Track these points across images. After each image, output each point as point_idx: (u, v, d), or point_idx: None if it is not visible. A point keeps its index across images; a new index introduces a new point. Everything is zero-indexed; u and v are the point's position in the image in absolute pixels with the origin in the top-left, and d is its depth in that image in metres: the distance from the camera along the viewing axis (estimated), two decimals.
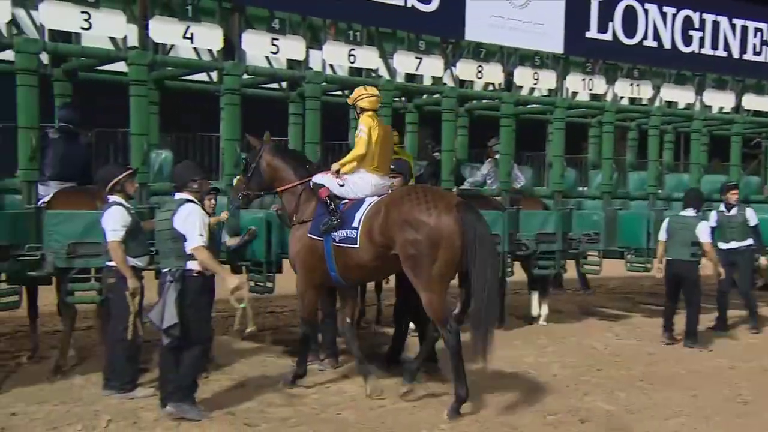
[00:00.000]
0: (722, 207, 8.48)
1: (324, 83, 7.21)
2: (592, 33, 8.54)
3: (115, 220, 5.21)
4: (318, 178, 5.84)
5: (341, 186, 5.70)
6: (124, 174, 5.41)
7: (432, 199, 5.27)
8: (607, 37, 8.64)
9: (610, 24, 8.62)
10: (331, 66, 7.67)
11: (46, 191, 5.96)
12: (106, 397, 5.36)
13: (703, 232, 7.44)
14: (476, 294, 5.27)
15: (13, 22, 5.86)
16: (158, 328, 4.89)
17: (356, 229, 5.40)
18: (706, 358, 7.06)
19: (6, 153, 6.01)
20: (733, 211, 8.40)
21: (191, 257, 4.92)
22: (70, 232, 5.62)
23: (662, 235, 7.69)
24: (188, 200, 5.04)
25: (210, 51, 6.79)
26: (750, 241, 8.37)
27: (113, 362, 5.37)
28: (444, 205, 5.24)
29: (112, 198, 5.36)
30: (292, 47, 6.91)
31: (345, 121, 8.48)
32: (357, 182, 5.71)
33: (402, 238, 5.21)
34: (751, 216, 8.38)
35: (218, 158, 6.92)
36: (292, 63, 7.27)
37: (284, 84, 8.01)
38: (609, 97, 9.18)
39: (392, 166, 6.09)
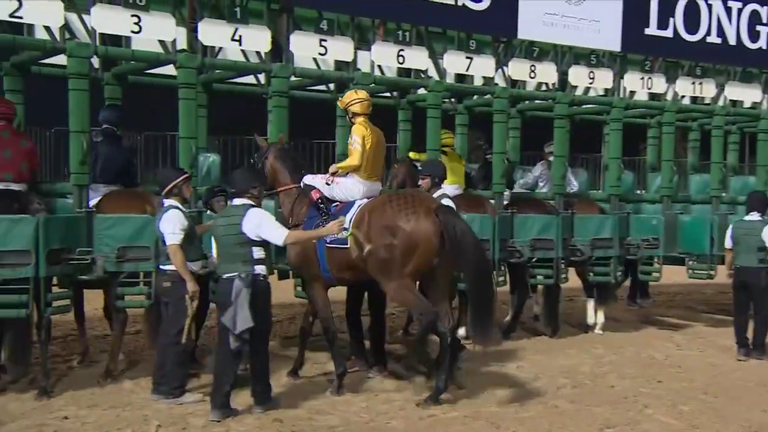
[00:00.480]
0: None
1: (372, 84, 7.22)
2: (652, 29, 8.35)
3: (173, 224, 5.30)
4: (308, 180, 6.09)
5: (330, 187, 5.96)
6: (181, 178, 5.51)
7: (412, 205, 5.50)
8: (668, 33, 8.45)
9: (671, 20, 8.43)
10: (380, 67, 7.68)
11: (92, 195, 6.10)
12: (155, 402, 5.44)
13: None
14: (469, 296, 5.72)
15: (66, 27, 6.01)
16: (231, 333, 4.97)
17: (346, 230, 5.53)
18: None
19: (57, 157, 6.17)
20: None
21: (258, 262, 5.07)
22: (119, 235, 5.74)
23: (728, 243, 7.45)
24: (252, 205, 5.17)
25: (258, 53, 6.86)
26: None
27: (163, 366, 5.46)
28: (423, 210, 5.46)
29: (168, 201, 5.45)
30: (341, 48, 6.94)
31: (394, 123, 8.46)
32: (348, 185, 5.95)
33: (380, 243, 5.44)
34: None
35: None
36: (340, 64, 7.29)
37: (332, 86, 8.04)
38: (669, 97, 8.97)
39: (419, 167, 6.15)
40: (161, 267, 5.45)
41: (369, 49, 7.21)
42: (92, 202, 5.98)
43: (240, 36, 6.41)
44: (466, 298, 6.59)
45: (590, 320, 8.55)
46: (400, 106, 8.40)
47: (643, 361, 7.18)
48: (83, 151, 5.77)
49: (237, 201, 5.25)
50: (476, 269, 5.51)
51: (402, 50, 7.21)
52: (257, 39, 6.54)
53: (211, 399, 5.17)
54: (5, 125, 5.87)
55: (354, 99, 6.03)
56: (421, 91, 7.98)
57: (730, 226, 7.52)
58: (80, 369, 6.39)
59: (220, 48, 6.76)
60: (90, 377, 6.02)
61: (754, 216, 7.34)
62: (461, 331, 7.02)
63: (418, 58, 7.34)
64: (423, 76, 7.58)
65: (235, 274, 5.03)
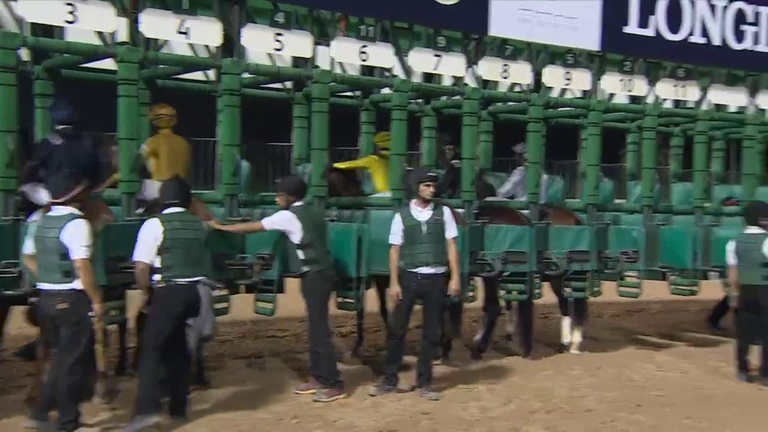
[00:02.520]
0: None
1: (333, 83, 7.21)
2: (632, 28, 8.48)
3: (83, 236, 5.10)
4: None
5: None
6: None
7: None
8: (649, 32, 8.58)
9: (652, 18, 8.56)
10: (341, 64, 7.67)
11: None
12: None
13: None
14: None
15: None
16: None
17: None
18: (762, 395, 6.94)
19: None
20: None
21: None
22: None
23: (731, 259, 7.47)
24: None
25: (207, 47, 6.80)
26: None
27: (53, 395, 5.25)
28: None
29: (67, 209, 5.20)
30: (298, 43, 6.91)
31: (356, 124, 8.48)
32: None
33: None
34: None
35: (215, 165, 6.92)
36: (297, 61, 7.27)
37: (289, 84, 8.01)
38: (650, 100, 9.10)
39: (277, 181, 6.30)
40: (52, 287, 5.14)
41: (329, 45, 7.19)
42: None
43: (187, 28, 6.33)
44: None
45: (566, 339, 8.63)
46: (364, 106, 8.41)
47: (623, 383, 7.27)
48: (9, 152, 5.64)
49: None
50: None
51: (365, 47, 7.20)
52: (206, 32, 6.47)
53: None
54: None
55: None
56: (386, 90, 7.99)
57: (733, 241, 7.51)
58: None
59: (165, 41, 6.68)
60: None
61: (754, 229, 7.38)
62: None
63: (382, 55, 7.33)
64: (388, 74, 7.59)
65: (200, 278, 5.50)
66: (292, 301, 6.90)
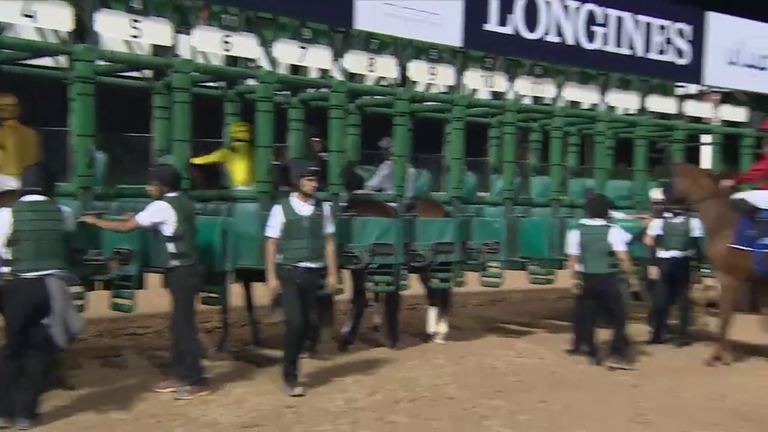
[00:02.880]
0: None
1: (195, 73, 7.03)
2: (492, 26, 8.74)
3: None
4: None
5: None
6: None
7: None
8: (508, 30, 8.87)
9: (511, 16, 8.86)
10: (204, 54, 7.48)
11: None
12: None
13: (618, 240, 7.65)
14: None
15: None
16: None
17: None
18: (610, 376, 7.35)
19: None
20: (679, 219, 8.72)
21: None
22: None
23: (573, 248, 7.84)
24: None
25: (56, 32, 6.45)
26: (691, 252, 8.79)
27: None
28: None
29: None
30: (157, 31, 6.67)
31: (220, 115, 8.29)
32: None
33: None
34: (696, 226, 8.70)
35: (68, 157, 6.56)
36: (157, 49, 7.03)
37: (148, 73, 7.73)
38: (510, 96, 9.41)
39: (150, 170, 6.19)
40: None
41: (190, 34, 6.99)
42: None
43: (34, 12, 5.98)
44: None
45: (431, 329, 8.82)
46: (228, 97, 8.24)
47: (484, 370, 7.51)
48: None
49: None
50: None
51: (228, 36, 7.06)
52: (55, 16, 6.12)
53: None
54: None
55: None
56: (251, 82, 7.87)
57: (576, 230, 7.90)
58: None
59: (11, 25, 6.29)
60: None
61: (598, 221, 7.80)
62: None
63: (246, 45, 7.21)
64: (252, 65, 7.47)
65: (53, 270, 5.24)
66: (156, 297, 6.68)
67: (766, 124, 8.47)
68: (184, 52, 7.04)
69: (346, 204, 7.94)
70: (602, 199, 8.15)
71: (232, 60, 7.69)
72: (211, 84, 8.36)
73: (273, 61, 7.55)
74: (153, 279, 6.65)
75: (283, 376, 6.43)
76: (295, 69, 8.14)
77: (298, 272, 6.43)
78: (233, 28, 7.09)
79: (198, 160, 7.78)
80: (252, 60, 7.45)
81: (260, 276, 7.61)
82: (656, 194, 8.61)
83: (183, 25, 7.03)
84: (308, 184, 6.50)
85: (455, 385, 6.84)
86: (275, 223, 6.46)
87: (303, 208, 6.51)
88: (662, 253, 8.81)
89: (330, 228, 6.66)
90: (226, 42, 7.06)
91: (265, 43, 7.43)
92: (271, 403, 6.11)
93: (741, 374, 7.52)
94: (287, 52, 7.55)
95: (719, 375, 7.48)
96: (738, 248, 7.75)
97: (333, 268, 6.70)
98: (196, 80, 7.20)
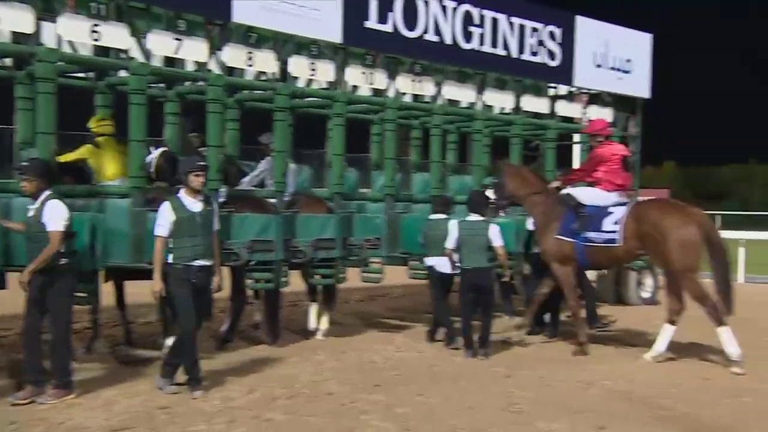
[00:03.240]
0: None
1: (60, 63, 6.70)
2: (372, 23, 8.80)
3: None
4: None
5: None
6: None
7: None
8: (388, 28, 8.96)
9: (390, 14, 8.94)
10: (71, 43, 7.15)
11: None
12: None
13: (497, 235, 7.84)
14: None
15: None
16: None
17: None
18: (484, 367, 7.53)
19: None
20: None
21: None
22: None
23: (450, 242, 7.95)
24: None
25: None
26: None
27: None
28: None
29: None
30: (17, 17, 6.33)
31: (89, 107, 7.95)
32: None
33: None
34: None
35: None
36: (18, 37, 6.65)
37: (8, 61, 7.32)
38: (391, 93, 9.50)
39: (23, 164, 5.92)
40: None
41: (55, 22, 6.66)
42: None
43: None
44: None
45: (312, 325, 8.79)
46: (98, 89, 7.91)
47: (364, 365, 7.53)
48: None
49: None
50: None
51: (97, 25, 6.77)
52: None
53: None
54: None
55: None
56: (124, 73, 7.58)
57: (455, 225, 8.02)
58: None
59: None
60: None
61: (477, 216, 7.96)
62: None
63: (116, 35, 6.95)
64: (124, 56, 7.19)
65: None
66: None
67: (590, 128, 8.97)
68: (49, 40, 6.70)
69: (224, 200, 7.79)
70: (481, 196, 8.34)
71: (103, 50, 7.38)
72: (80, 75, 7.99)
73: (146, 53, 7.30)
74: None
75: (187, 381, 6.24)
76: (171, 61, 7.90)
77: (192, 271, 6.18)
78: (103, 17, 6.81)
79: (61, 158, 7.36)
80: (123, 51, 7.18)
81: (132, 274, 7.38)
82: (488, 193, 8.86)
83: (47, 12, 6.68)
84: (196, 180, 6.24)
85: (335, 381, 6.82)
86: (164, 221, 6.17)
87: (194, 204, 6.25)
88: (536, 249, 9.12)
89: (216, 224, 6.45)
90: (95, 31, 6.77)
91: (138, 34, 7.18)
92: (144, 404, 5.90)
93: (607, 362, 7.87)
94: (161, 44, 7.32)
95: (587, 363, 7.81)
96: (563, 239, 8.25)
97: (219, 266, 6.52)
98: (62, 70, 6.87)
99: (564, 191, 8.54)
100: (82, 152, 7.65)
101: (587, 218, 8.18)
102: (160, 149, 7.91)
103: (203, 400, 6.07)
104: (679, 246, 7.64)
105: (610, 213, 8.12)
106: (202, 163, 6.40)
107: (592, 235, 8.11)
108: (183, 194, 6.30)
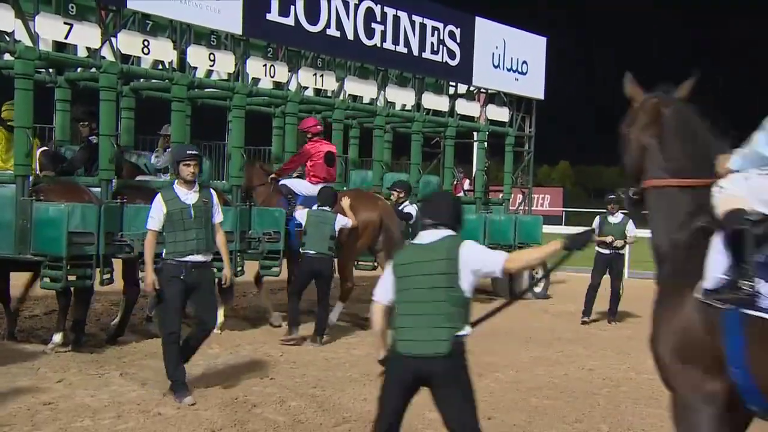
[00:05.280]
0: None
1: None
2: (273, 15, 8.70)
3: None
4: None
5: None
6: None
7: None
8: (290, 21, 8.88)
9: (293, 8, 8.87)
10: None
11: None
12: None
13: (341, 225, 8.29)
14: None
15: None
16: None
17: None
18: (322, 357, 7.61)
19: None
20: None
21: None
22: None
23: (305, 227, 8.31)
24: None
25: None
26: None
27: None
28: None
29: None
30: None
31: None
32: None
33: None
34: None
35: None
36: None
37: None
38: (293, 87, 9.42)
39: None
40: None
41: None
42: None
43: None
44: None
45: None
46: None
47: (259, 359, 7.45)
48: None
49: None
50: None
51: None
52: None
53: None
54: None
55: None
56: (9, 57, 7.23)
57: (305, 212, 8.32)
58: None
59: None
60: None
61: (326, 208, 8.31)
62: None
63: (1, 17, 6.61)
64: (8, 39, 6.84)
65: None
66: None
67: (301, 125, 9.43)
68: None
69: (115, 191, 7.55)
70: (329, 190, 8.55)
71: None
72: None
73: (34, 36, 6.98)
74: None
75: (171, 385, 5.90)
76: (61, 46, 7.58)
77: (185, 267, 5.85)
78: None
79: None
80: (8, 33, 6.82)
81: (19, 266, 7.07)
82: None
83: None
84: (186, 170, 5.87)
85: (228, 375, 6.72)
86: (156, 214, 5.85)
87: (188, 196, 5.90)
88: None
89: (218, 216, 6.11)
90: None
91: (23, 16, 6.85)
92: (26, 400, 5.65)
93: (497, 353, 8.07)
94: (50, 28, 7.02)
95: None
96: None
97: (227, 259, 6.26)
98: None
99: (280, 182, 9.22)
100: None
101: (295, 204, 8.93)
102: (41, 148, 7.60)
103: (90, 395, 5.87)
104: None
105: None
106: (193, 152, 5.98)
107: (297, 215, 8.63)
108: (176, 186, 5.98)
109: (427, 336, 3.57)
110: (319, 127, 9.39)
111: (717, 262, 2.99)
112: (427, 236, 3.76)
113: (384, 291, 3.79)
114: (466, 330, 3.61)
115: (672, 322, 3.11)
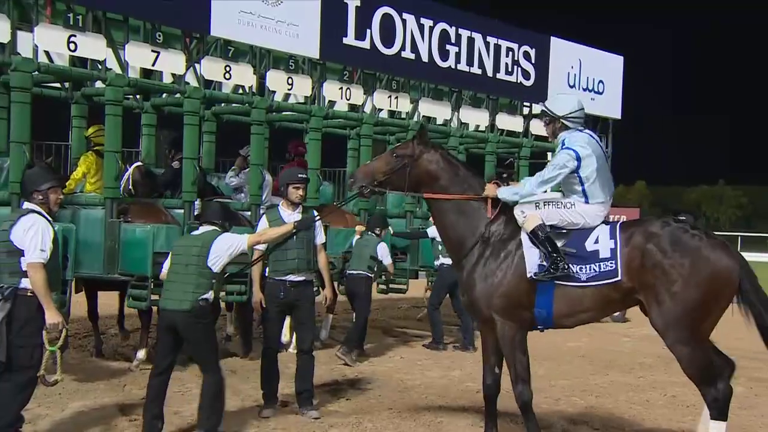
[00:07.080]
0: None
1: (36, 73, 6.61)
2: (350, 39, 8.79)
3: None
4: None
5: None
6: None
7: None
8: (365, 45, 8.95)
9: (368, 31, 8.94)
10: (47, 53, 7.07)
11: None
12: None
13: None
14: None
15: None
16: None
17: None
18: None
19: None
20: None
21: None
22: None
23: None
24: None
25: None
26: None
27: None
28: None
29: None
30: None
31: (65, 117, 7.87)
32: None
33: None
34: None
35: None
36: None
37: None
38: (367, 109, 9.49)
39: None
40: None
41: (32, 32, 6.57)
42: None
43: None
44: None
45: (284, 338, 8.67)
46: (74, 99, 7.83)
47: (333, 378, 7.46)
48: None
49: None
50: None
51: (74, 36, 6.69)
52: None
53: None
54: None
55: None
56: (100, 84, 7.50)
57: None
58: None
59: None
60: None
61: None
62: None
63: (93, 46, 6.87)
64: (101, 67, 7.11)
65: None
66: None
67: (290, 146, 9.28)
68: (25, 50, 6.62)
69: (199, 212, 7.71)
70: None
71: (80, 61, 7.30)
72: (56, 84, 7.91)
73: (123, 64, 7.24)
74: None
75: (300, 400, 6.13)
76: (148, 73, 7.84)
77: (284, 287, 6.00)
78: (80, 28, 6.74)
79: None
80: (100, 62, 7.09)
81: (106, 286, 7.27)
82: None
83: (23, 22, 6.61)
84: (295, 192, 6.06)
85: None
86: None
87: (291, 217, 6.03)
88: None
89: (320, 237, 6.23)
90: (72, 42, 6.69)
91: (115, 45, 7.11)
92: (114, 416, 5.79)
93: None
94: (139, 56, 7.26)
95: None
96: None
97: (329, 280, 6.40)
98: (37, 80, 6.79)
99: None
100: (87, 164, 7.53)
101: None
102: (136, 164, 7.83)
103: (173, 411, 5.95)
104: None
105: None
106: (302, 176, 6.16)
107: None
108: (281, 207, 6.18)
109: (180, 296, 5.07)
110: (301, 149, 9.20)
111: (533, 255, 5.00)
112: (200, 230, 5.36)
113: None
114: (208, 295, 5.08)
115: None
